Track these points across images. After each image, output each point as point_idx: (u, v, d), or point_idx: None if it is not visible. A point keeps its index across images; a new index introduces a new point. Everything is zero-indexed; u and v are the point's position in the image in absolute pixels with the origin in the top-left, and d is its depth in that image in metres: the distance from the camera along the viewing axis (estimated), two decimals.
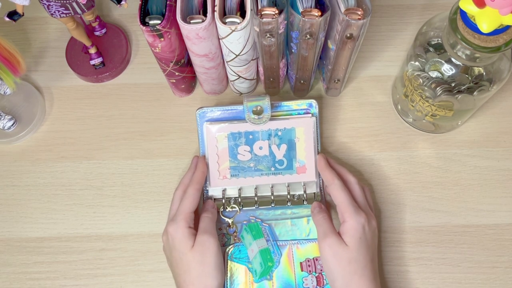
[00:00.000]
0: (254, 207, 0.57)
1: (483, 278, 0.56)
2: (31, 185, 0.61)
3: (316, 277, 0.54)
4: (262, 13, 0.47)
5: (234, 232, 0.57)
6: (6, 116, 0.63)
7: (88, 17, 0.64)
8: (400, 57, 0.67)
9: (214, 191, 0.58)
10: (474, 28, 0.45)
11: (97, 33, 0.68)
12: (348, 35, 0.49)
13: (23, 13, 0.53)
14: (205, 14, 0.50)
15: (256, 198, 0.58)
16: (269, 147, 0.57)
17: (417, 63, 0.55)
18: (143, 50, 0.69)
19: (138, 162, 0.62)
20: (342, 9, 0.48)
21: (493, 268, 0.56)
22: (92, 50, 0.65)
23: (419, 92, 0.55)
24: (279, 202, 0.57)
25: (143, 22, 0.50)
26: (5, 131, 0.63)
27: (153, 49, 0.53)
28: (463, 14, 0.46)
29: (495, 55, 0.49)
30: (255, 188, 0.58)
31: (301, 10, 0.47)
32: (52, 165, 0.62)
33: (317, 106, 0.58)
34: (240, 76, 0.60)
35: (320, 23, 0.48)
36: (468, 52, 0.49)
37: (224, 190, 0.58)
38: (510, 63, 0.51)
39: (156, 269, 0.57)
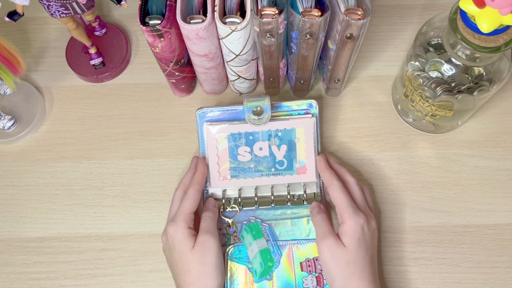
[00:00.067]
0: (254, 207, 0.57)
1: (483, 278, 0.56)
2: (31, 185, 0.61)
3: (316, 277, 0.54)
4: (262, 13, 0.47)
5: (234, 232, 0.57)
6: (6, 116, 0.63)
7: (88, 17, 0.64)
8: (400, 57, 0.67)
9: (214, 191, 0.58)
10: (474, 28, 0.45)
11: (97, 33, 0.68)
12: (348, 35, 0.49)
13: (23, 13, 0.53)
14: (205, 14, 0.50)
15: (256, 198, 0.58)
16: (269, 147, 0.57)
17: (417, 63, 0.55)
18: (143, 50, 0.69)
19: (138, 162, 0.62)
20: (342, 9, 0.48)
21: (493, 268, 0.56)
22: (92, 50, 0.65)
23: (419, 92, 0.55)
24: (279, 202, 0.57)
25: (143, 22, 0.50)
26: (5, 131, 0.63)
27: (153, 49, 0.53)
28: (463, 14, 0.46)
29: (495, 55, 0.49)
30: (255, 188, 0.58)
31: (301, 10, 0.47)
32: (52, 165, 0.62)
33: (317, 106, 0.58)
34: (240, 76, 0.60)
35: (320, 23, 0.48)
36: (468, 52, 0.49)
37: (224, 190, 0.58)
38: (510, 63, 0.51)
39: (156, 269, 0.57)
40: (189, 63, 0.59)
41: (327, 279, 0.50)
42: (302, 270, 0.55)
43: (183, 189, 0.55)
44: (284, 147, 0.57)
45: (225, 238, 0.57)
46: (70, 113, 0.65)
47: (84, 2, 0.55)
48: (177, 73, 0.59)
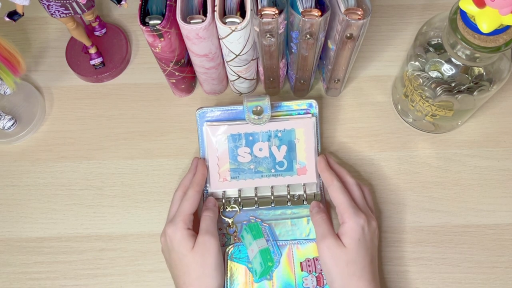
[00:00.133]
0: (254, 207, 0.57)
1: (483, 278, 0.56)
2: (31, 185, 0.61)
3: (316, 277, 0.54)
4: (262, 13, 0.47)
5: (234, 232, 0.57)
6: (6, 116, 0.63)
7: (88, 17, 0.64)
8: (400, 57, 0.67)
9: (214, 191, 0.58)
10: (474, 28, 0.45)
11: (97, 33, 0.68)
12: (348, 35, 0.49)
13: (23, 13, 0.53)
14: (205, 14, 0.50)
15: (256, 198, 0.57)
16: (269, 148, 0.57)
17: (417, 63, 0.55)
18: (143, 50, 0.69)
19: (138, 162, 0.62)
20: (342, 9, 0.48)
21: (493, 268, 0.56)
22: (92, 50, 0.65)
23: (419, 92, 0.55)
24: (279, 202, 0.57)
25: (143, 22, 0.50)
26: (5, 131, 0.63)
27: (153, 49, 0.53)
28: (463, 14, 0.46)
29: (495, 55, 0.49)
30: (255, 188, 0.58)
31: (301, 10, 0.47)
32: (52, 165, 0.62)
33: (317, 106, 0.58)
34: (240, 76, 0.60)
35: (320, 23, 0.48)
36: (468, 52, 0.49)
37: (224, 190, 0.58)
38: (510, 63, 0.51)
39: (156, 269, 0.57)
40: (189, 63, 0.59)
41: (327, 279, 0.50)
42: (302, 270, 0.55)
43: (183, 190, 0.55)
44: (284, 148, 0.57)
45: (225, 238, 0.57)
46: (70, 113, 0.65)
47: (84, 2, 0.55)
48: (177, 73, 0.59)
